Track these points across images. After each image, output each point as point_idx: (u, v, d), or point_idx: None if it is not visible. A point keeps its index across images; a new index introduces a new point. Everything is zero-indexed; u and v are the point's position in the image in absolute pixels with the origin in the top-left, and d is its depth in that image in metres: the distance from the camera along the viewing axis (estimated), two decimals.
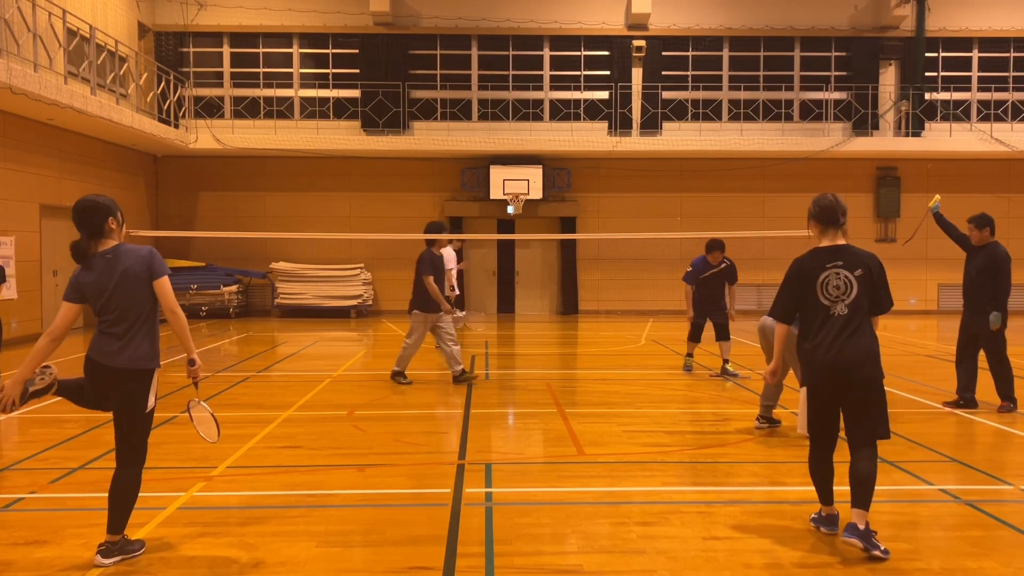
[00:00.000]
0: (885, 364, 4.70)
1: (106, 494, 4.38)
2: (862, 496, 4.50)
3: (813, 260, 4.72)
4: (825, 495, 4.80)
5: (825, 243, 4.77)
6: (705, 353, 12.67)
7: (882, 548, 4.40)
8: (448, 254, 12.73)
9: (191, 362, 4.51)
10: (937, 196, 9.04)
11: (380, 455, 6.78)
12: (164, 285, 4.39)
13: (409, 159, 21.59)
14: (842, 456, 4.70)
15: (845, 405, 4.66)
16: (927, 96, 21.95)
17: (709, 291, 10.93)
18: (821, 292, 4.64)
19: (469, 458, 6.59)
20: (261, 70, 21.88)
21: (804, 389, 4.77)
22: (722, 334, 11.00)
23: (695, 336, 11.29)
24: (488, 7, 21.60)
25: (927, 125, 21.90)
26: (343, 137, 21.02)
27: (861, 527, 4.43)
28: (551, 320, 20.23)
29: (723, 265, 10.91)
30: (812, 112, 22.14)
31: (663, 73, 21.80)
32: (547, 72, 22.03)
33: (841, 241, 4.75)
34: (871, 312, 4.67)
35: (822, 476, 4.78)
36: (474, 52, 22.03)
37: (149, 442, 4.48)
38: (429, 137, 21.21)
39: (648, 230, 19.78)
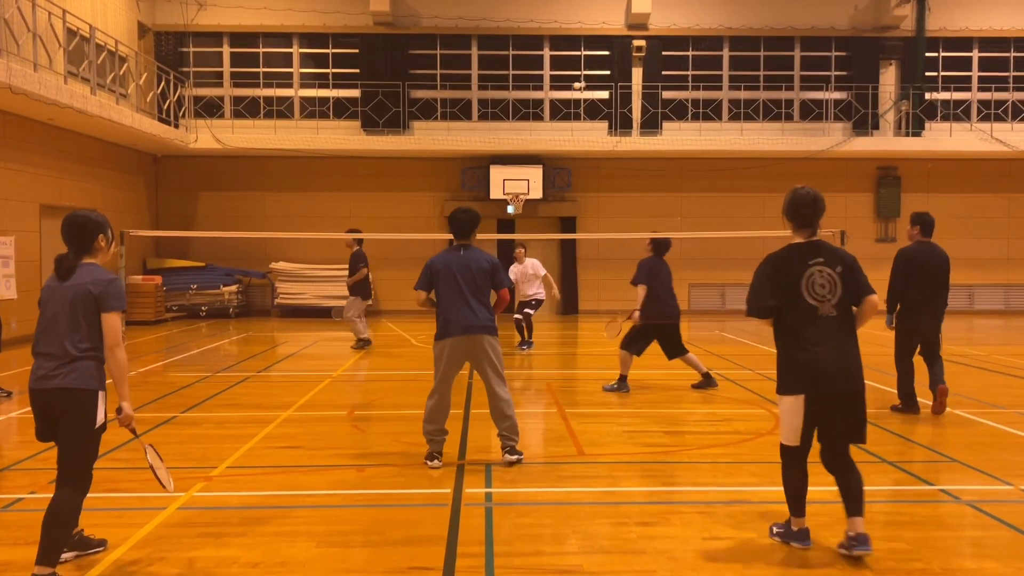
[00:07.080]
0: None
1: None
2: (861, 502, 4.39)
3: (792, 256, 4.53)
4: (801, 506, 4.54)
5: (800, 239, 4.60)
6: (715, 356, 12.64)
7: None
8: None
9: (118, 410, 4.19)
10: None
11: (380, 455, 6.78)
12: (111, 321, 4.11)
13: (409, 159, 21.59)
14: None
15: (835, 412, 4.40)
16: (927, 96, 21.95)
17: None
18: (807, 291, 4.41)
19: (469, 458, 6.59)
20: (261, 70, 21.87)
21: (792, 398, 4.42)
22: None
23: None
24: (488, 7, 21.60)
25: (927, 125, 21.89)
26: (343, 137, 21.02)
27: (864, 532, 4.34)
28: (551, 320, 20.22)
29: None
30: (812, 112, 22.13)
31: (663, 73, 21.79)
32: (547, 72, 22.03)
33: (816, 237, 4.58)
34: (857, 302, 4.47)
35: (802, 486, 4.51)
36: (474, 52, 22.03)
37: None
38: (429, 137, 21.20)
39: (648, 230, 19.69)
